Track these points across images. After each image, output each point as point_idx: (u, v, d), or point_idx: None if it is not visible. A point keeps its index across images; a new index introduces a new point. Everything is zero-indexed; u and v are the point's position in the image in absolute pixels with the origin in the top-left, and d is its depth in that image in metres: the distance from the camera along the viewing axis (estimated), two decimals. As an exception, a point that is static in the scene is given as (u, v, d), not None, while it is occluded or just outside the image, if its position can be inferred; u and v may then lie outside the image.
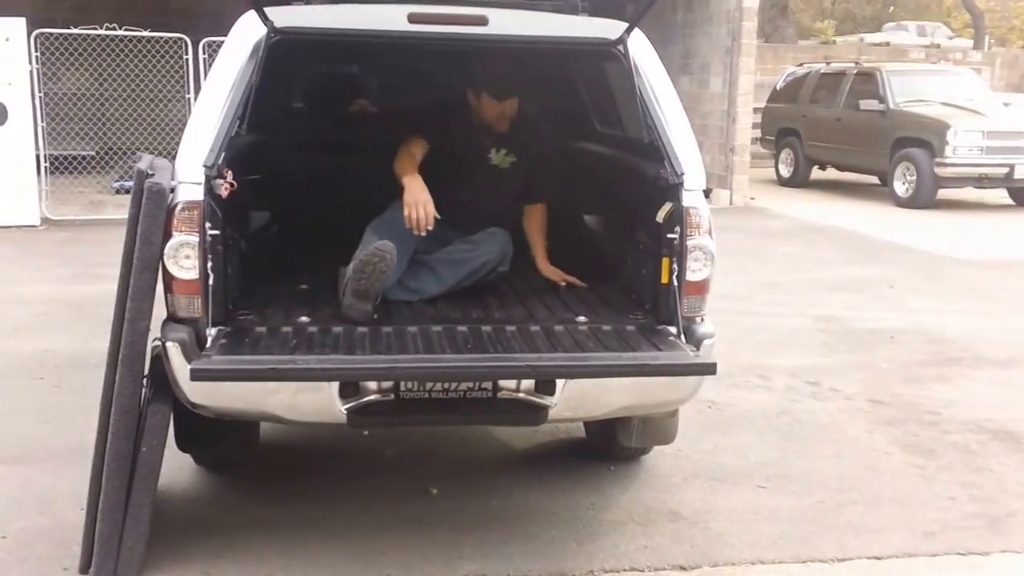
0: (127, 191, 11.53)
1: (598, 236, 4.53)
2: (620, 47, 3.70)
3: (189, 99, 10.81)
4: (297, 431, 4.63)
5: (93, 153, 12.26)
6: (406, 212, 3.70)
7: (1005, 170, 12.50)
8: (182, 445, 3.86)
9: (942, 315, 7.16)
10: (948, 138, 12.40)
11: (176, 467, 4.07)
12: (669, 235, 3.39)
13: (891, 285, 8.20)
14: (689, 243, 3.36)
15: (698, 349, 3.32)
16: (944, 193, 13.12)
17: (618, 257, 4.04)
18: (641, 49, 3.75)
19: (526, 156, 4.18)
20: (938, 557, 3.59)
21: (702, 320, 3.46)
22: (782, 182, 15.96)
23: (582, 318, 3.55)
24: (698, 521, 3.79)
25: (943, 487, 4.18)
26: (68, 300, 7.20)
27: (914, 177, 12.94)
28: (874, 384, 5.54)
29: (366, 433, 4.61)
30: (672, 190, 3.39)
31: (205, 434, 3.74)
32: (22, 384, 5.29)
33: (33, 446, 4.44)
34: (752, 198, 13.74)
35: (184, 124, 3.57)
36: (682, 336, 3.35)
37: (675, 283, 3.36)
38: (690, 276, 3.36)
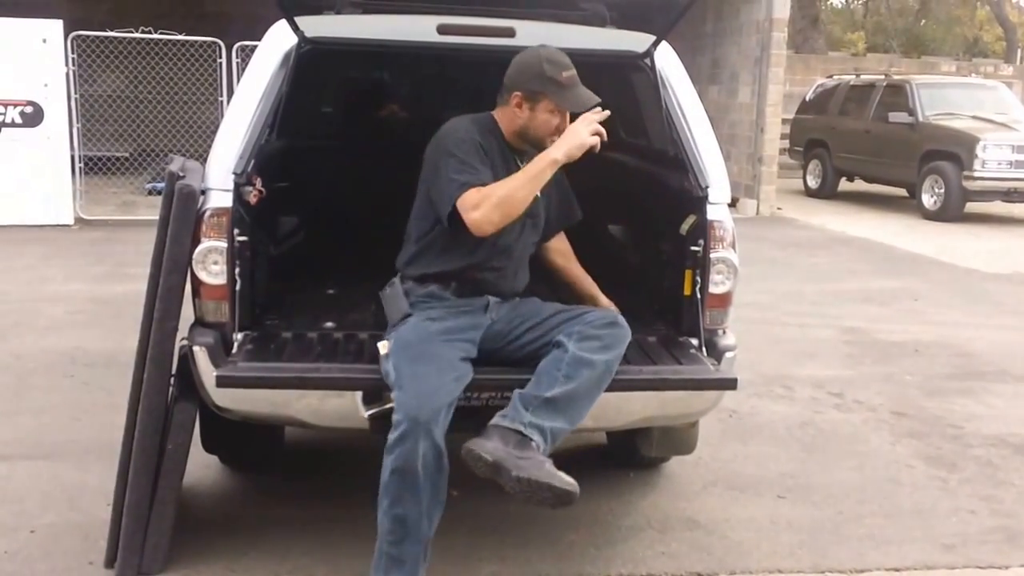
0: (159, 192, 11.69)
1: (622, 245, 4.54)
2: (647, 60, 3.72)
3: (222, 102, 10.93)
4: (322, 434, 4.67)
5: (127, 154, 12.42)
6: (587, 137, 2.99)
7: (1032, 184, 12.40)
8: (208, 447, 3.91)
9: (967, 328, 7.11)
10: (977, 152, 12.31)
11: (202, 465, 4.11)
12: (692, 247, 3.40)
13: (916, 298, 8.15)
14: (712, 256, 3.37)
15: (719, 362, 3.33)
16: (972, 207, 13.02)
17: (641, 267, 4.05)
18: (668, 61, 3.77)
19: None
20: (956, 570, 3.58)
21: (724, 332, 3.47)
22: (810, 193, 15.89)
23: None
24: (716, 529, 3.80)
25: (964, 500, 4.16)
26: (100, 299, 7.30)
27: (942, 190, 12.85)
28: (898, 396, 5.51)
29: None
30: (696, 203, 3.41)
31: (231, 437, 3.78)
32: (54, 381, 5.37)
33: (63, 442, 4.52)
34: (779, 208, 13.70)
35: (216, 127, 3.62)
36: (704, 348, 3.36)
37: (698, 295, 3.37)
38: (713, 289, 3.37)
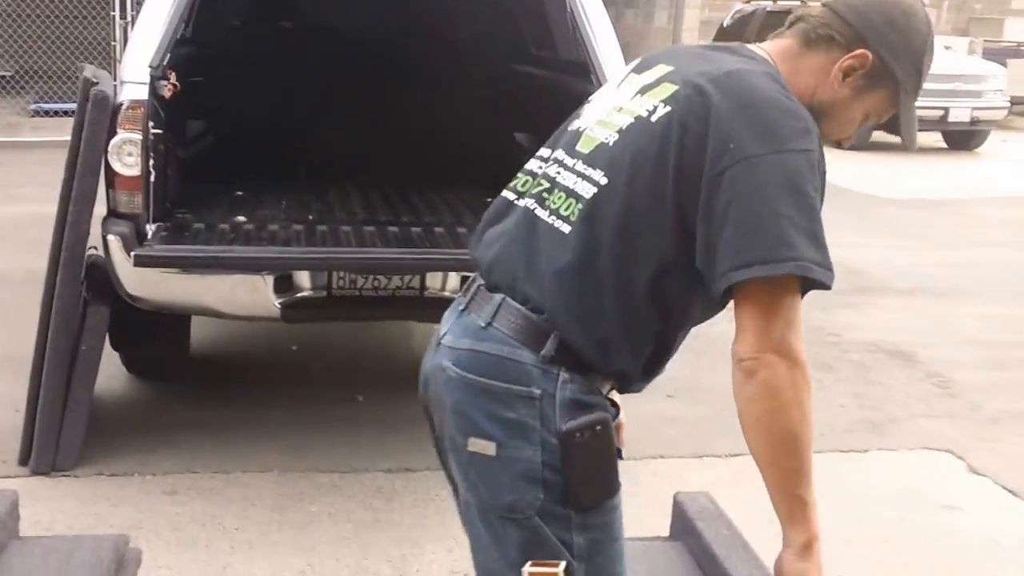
0: (45, 113, 11.66)
1: (528, 152, 4.94)
2: None
3: (114, 17, 10.88)
4: (227, 343, 5.03)
5: (9, 74, 12.27)
6: None
7: (939, 113, 13.10)
8: (116, 344, 4.21)
9: (860, 249, 7.71)
10: (884, 79, 12.95)
11: (109, 375, 4.42)
12: (590, 99, 3.80)
13: (815, 221, 8.76)
14: None
15: None
16: (879, 134, 13.71)
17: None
18: None
19: None
20: (822, 454, 4.02)
21: None
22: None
23: None
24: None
25: (836, 397, 4.72)
26: (-10, 220, 7.41)
27: (851, 118, 13.49)
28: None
29: (295, 348, 5.03)
30: None
31: (139, 333, 4.08)
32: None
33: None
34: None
35: (108, 45, 3.88)
36: None
37: None
38: None
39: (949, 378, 5.06)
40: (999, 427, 4.50)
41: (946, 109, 13.10)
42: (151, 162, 3.50)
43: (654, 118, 1.64)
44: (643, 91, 1.72)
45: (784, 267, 1.52)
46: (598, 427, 1.62)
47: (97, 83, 3.57)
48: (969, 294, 6.64)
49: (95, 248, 3.80)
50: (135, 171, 3.49)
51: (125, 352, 4.33)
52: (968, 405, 4.74)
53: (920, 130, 11.60)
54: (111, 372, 4.41)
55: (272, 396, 4.45)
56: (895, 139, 14.14)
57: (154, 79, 3.51)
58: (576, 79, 4.01)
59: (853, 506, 3.69)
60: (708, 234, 1.56)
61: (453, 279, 3.56)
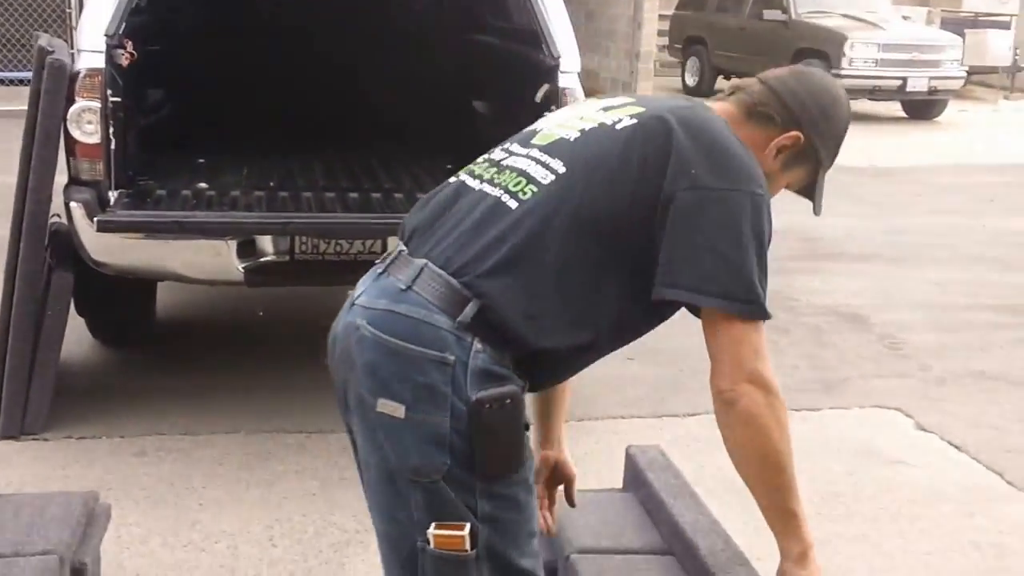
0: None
1: (486, 119, 5.04)
2: None
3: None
4: (195, 310, 5.09)
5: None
6: None
7: (898, 82, 13.31)
8: (81, 311, 4.26)
9: (819, 217, 7.84)
10: (844, 50, 13.14)
11: (74, 341, 4.48)
12: (546, 113, 3.89)
13: (775, 189, 8.91)
14: None
15: None
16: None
17: (503, 136, 4.54)
18: None
19: None
20: (776, 413, 4.26)
21: None
22: (688, 91, 16.53)
23: None
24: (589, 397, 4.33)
25: (790, 359, 4.86)
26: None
27: (812, 88, 13.65)
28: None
29: (261, 313, 5.09)
30: (549, 72, 3.88)
31: (104, 299, 4.14)
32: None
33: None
34: (655, 106, 14.30)
35: (63, 13, 3.91)
36: None
37: None
38: None
39: (901, 340, 5.22)
40: (947, 386, 4.66)
41: (904, 79, 13.30)
42: (111, 130, 3.56)
43: (619, 127, 1.75)
44: (607, 108, 1.82)
45: (756, 311, 1.68)
46: (508, 400, 1.64)
47: (53, 52, 3.61)
48: (923, 260, 6.82)
49: (58, 216, 3.85)
50: (95, 139, 3.55)
51: (91, 318, 4.38)
52: (918, 365, 4.90)
53: (879, 99, 11.86)
54: (78, 339, 4.47)
55: (239, 360, 4.52)
56: (855, 110, 14.31)
57: (110, 48, 3.56)
58: (529, 48, 4.10)
59: (804, 462, 3.75)
60: (673, 246, 1.67)
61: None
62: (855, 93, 13.57)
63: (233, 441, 3.76)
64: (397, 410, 1.64)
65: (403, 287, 1.69)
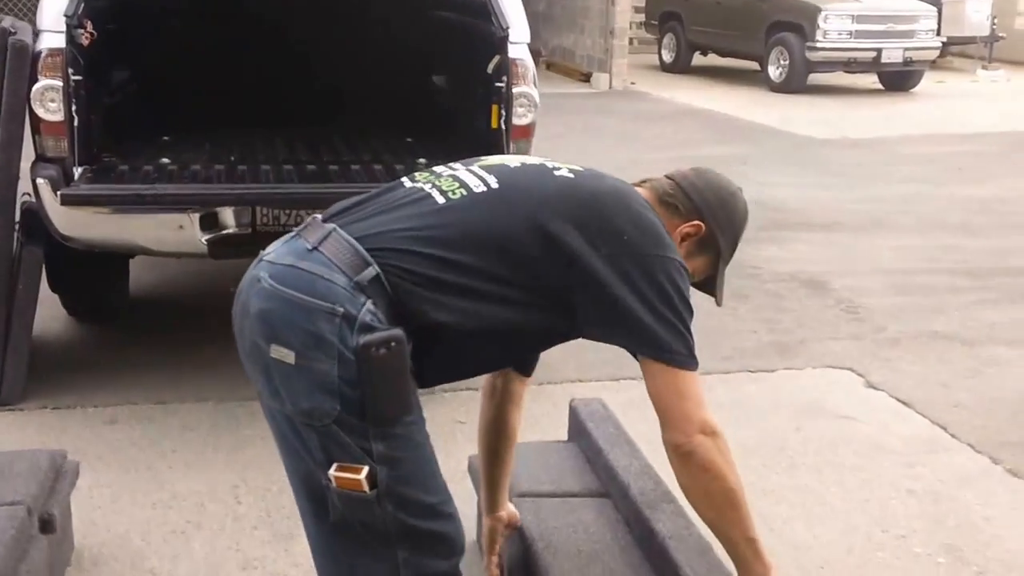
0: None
1: (444, 92, 5.19)
2: None
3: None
4: (168, 287, 5.22)
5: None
6: None
7: (873, 54, 13.43)
8: (55, 287, 4.39)
9: (786, 188, 8.02)
10: (819, 22, 13.24)
11: (50, 317, 4.62)
12: (497, 84, 4.04)
13: (745, 162, 9.03)
14: (515, 91, 4.02)
15: None
16: (816, 78, 14.02)
17: (459, 109, 4.69)
18: None
19: None
20: (730, 374, 4.43)
21: None
22: (664, 67, 16.66)
23: (422, 160, 4.21)
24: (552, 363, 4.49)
25: (749, 323, 5.02)
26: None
27: (787, 62, 13.79)
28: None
29: (233, 290, 5.21)
30: (500, 43, 4.02)
31: (78, 276, 4.28)
32: None
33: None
34: (632, 83, 14.42)
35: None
36: None
37: (503, 127, 4.02)
38: (516, 120, 4.04)
39: (858, 304, 5.37)
40: (899, 347, 4.82)
41: (879, 50, 13.42)
42: (73, 108, 3.70)
43: (557, 172, 1.97)
44: (547, 160, 2.05)
45: (694, 363, 1.90)
46: (392, 343, 1.75)
47: (15, 33, 3.73)
48: (886, 227, 6.97)
49: (28, 195, 3.98)
50: (58, 116, 3.68)
51: (65, 295, 4.51)
52: (873, 328, 5.05)
53: (855, 71, 11.94)
54: (53, 315, 4.61)
55: (210, 333, 4.60)
56: (832, 82, 14.47)
57: (71, 28, 3.68)
58: (481, 21, 4.23)
59: (755, 419, 3.99)
60: (611, 301, 1.84)
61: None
62: (831, 65, 13.73)
63: (202, 409, 3.90)
64: (288, 356, 1.76)
65: (309, 248, 1.83)
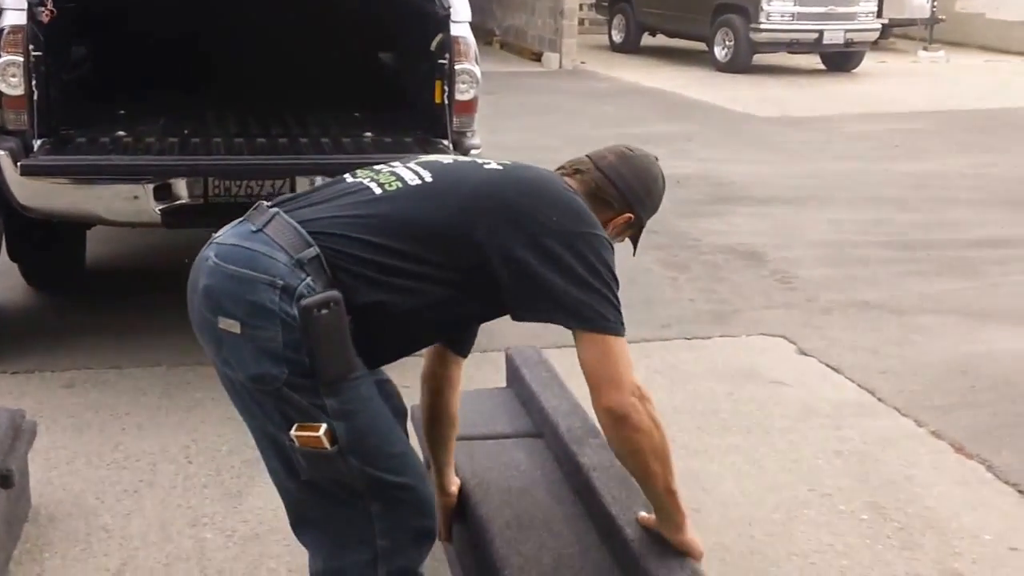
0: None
1: (390, 69, 5.29)
2: None
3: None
4: (123, 257, 5.28)
5: None
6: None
7: (815, 35, 13.67)
8: (14, 256, 4.45)
9: (729, 163, 8.20)
10: (763, 5, 13.44)
11: (9, 287, 4.68)
12: (440, 61, 4.14)
13: (690, 139, 9.21)
14: (457, 67, 4.13)
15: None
16: (760, 58, 14.24)
17: (405, 85, 4.79)
18: None
19: None
20: (669, 341, 4.59)
21: (471, 135, 4.29)
22: (614, 48, 16.80)
23: (368, 134, 4.30)
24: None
25: (687, 293, 5.19)
26: None
27: (732, 43, 13.98)
28: (654, 218, 6.49)
29: (187, 261, 5.27)
30: (442, 22, 4.12)
31: (36, 245, 4.35)
32: None
33: None
34: (582, 62, 14.54)
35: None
36: (452, 147, 4.15)
37: (446, 103, 4.13)
38: (459, 96, 4.15)
39: (793, 275, 5.55)
40: (830, 316, 5.00)
41: (821, 32, 13.67)
42: (33, 82, 3.77)
43: (487, 167, 2.13)
44: (479, 158, 2.23)
45: (621, 330, 1.99)
46: (332, 303, 1.86)
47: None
48: (822, 201, 7.17)
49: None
50: (19, 91, 3.76)
51: (23, 263, 4.58)
52: (806, 297, 5.24)
53: (797, 52, 12.15)
54: (12, 285, 4.67)
55: (164, 302, 4.67)
56: (776, 63, 14.70)
57: (31, 5, 3.75)
58: (424, 1, 4.32)
59: (691, 383, 4.16)
60: (542, 280, 1.94)
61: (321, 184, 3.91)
62: (774, 46, 13.95)
63: (155, 373, 3.99)
64: (234, 326, 1.87)
65: (254, 229, 1.95)
